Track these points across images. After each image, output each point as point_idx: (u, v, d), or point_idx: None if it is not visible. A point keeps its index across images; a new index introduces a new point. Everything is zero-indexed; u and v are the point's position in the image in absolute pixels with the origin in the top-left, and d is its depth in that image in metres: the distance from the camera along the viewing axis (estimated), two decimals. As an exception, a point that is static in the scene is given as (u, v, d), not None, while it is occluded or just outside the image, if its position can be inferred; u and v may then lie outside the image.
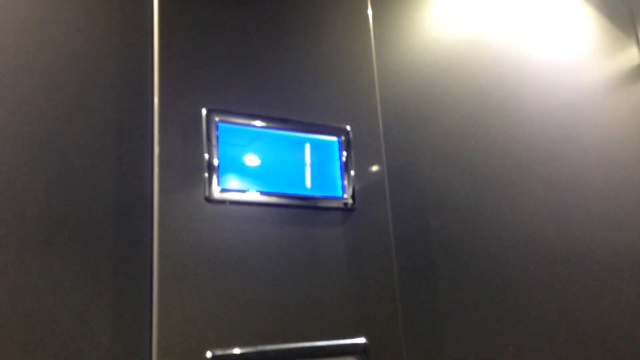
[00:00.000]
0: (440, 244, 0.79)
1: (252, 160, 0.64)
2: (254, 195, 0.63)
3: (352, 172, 0.69)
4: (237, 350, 0.57)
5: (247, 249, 0.61)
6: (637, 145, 1.06)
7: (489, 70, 0.93)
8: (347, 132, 0.70)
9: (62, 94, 0.60)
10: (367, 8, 0.78)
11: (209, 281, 0.58)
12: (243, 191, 0.62)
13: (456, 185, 0.83)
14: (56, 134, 0.58)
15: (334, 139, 0.70)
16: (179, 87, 0.62)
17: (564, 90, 1.01)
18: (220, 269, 0.59)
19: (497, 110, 0.91)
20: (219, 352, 0.56)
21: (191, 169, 0.60)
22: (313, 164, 0.68)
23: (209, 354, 0.56)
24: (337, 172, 0.69)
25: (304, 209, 0.66)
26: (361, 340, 0.64)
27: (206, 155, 0.61)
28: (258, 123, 0.65)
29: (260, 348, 0.58)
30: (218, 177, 0.61)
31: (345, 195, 0.68)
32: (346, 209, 0.68)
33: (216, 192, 0.61)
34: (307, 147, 0.68)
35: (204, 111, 0.62)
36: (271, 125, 0.66)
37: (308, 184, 0.67)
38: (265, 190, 0.64)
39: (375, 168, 0.72)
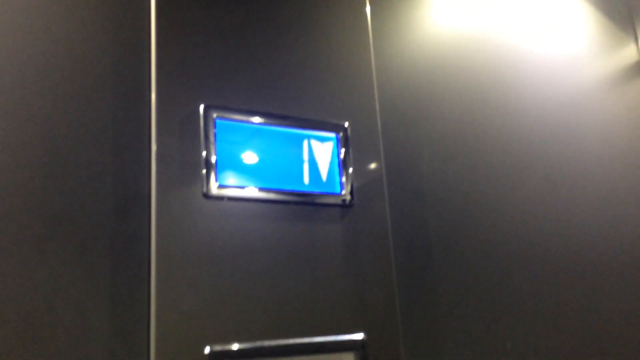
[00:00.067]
0: (439, 240, 0.79)
1: (250, 156, 0.64)
2: (252, 191, 0.63)
3: (350, 169, 0.69)
4: (235, 346, 0.57)
5: (245, 245, 0.61)
6: (636, 142, 1.06)
7: (487, 67, 0.93)
8: (345, 128, 0.71)
9: (59, 91, 0.60)
10: (365, 5, 0.78)
11: (207, 277, 0.58)
12: (241, 187, 0.62)
13: (454, 181, 0.83)
14: (53, 131, 0.58)
15: (332, 135, 0.70)
16: (176, 83, 0.62)
17: (563, 87, 1.01)
18: (218, 265, 0.59)
19: (495, 106, 0.91)
20: (217, 348, 0.56)
21: (189, 165, 0.60)
22: (311, 160, 0.68)
23: (207, 350, 0.56)
24: (335, 169, 0.69)
25: (302, 205, 0.66)
26: (359, 335, 0.64)
27: (204, 152, 0.61)
28: (256, 119, 0.65)
29: (258, 343, 0.58)
30: (216, 173, 0.61)
31: (343, 192, 0.68)
32: (344, 206, 0.68)
33: (214, 189, 0.61)
34: (305, 143, 0.68)
35: (201, 107, 0.62)
36: (269, 121, 0.66)
37: (306, 180, 0.67)
38: (263, 186, 0.64)
39: (373, 164, 0.72)
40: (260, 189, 0.63)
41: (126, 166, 0.61)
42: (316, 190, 0.67)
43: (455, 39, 0.91)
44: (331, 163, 0.69)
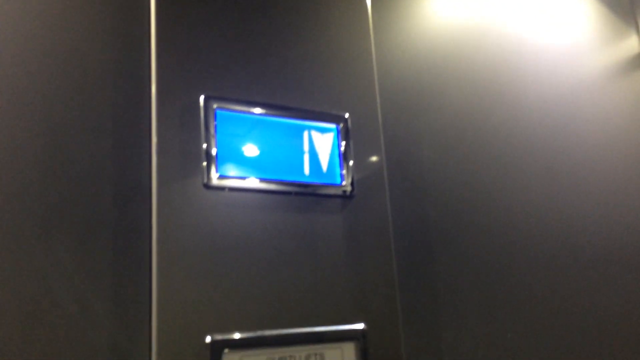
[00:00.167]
0: (439, 231, 0.79)
1: (250, 147, 0.64)
2: (252, 182, 0.63)
3: (351, 160, 0.69)
4: (236, 335, 0.57)
5: (245, 235, 0.61)
6: (637, 134, 1.06)
7: (488, 59, 0.93)
8: (346, 119, 0.71)
9: (59, 82, 0.60)
10: (365, -5, 0.78)
11: (208, 267, 0.58)
12: (242, 178, 0.63)
13: (455, 172, 0.83)
14: (54, 122, 0.58)
15: (333, 126, 0.70)
16: (176, 74, 0.62)
17: (564, 78, 1.01)
18: (219, 255, 0.59)
19: (496, 98, 0.91)
20: (218, 337, 0.56)
21: (189, 156, 0.61)
22: (311, 151, 0.68)
23: (208, 339, 0.56)
24: (336, 160, 0.69)
25: (302, 195, 0.66)
26: (360, 326, 0.64)
27: (204, 142, 0.61)
28: (256, 110, 0.65)
29: (259, 333, 0.59)
30: (216, 164, 0.61)
31: (343, 183, 0.69)
32: (345, 196, 0.68)
33: (214, 179, 0.61)
34: (306, 134, 0.68)
35: (201, 98, 0.62)
36: (269, 112, 0.66)
37: (306, 171, 0.67)
38: (263, 177, 0.64)
39: (374, 155, 0.72)
40: (261, 180, 0.63)
41: (126, 157, 0.61)
42: (317, 181, 0.67)
43: (457, 29, 0.91)
44: (331, 154, 0.69)
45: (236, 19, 0.67)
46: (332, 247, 0.66)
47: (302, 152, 0.68)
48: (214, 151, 0.61)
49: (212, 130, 0.62)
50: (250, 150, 0.64)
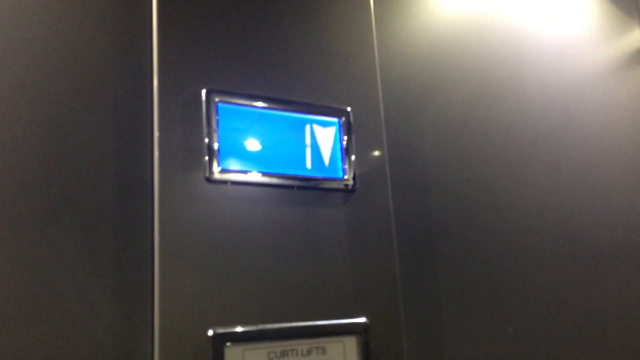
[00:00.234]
0: (441, 225, 0.79)
1: (252, 140, 0.64)
2: (254, 175, 0.63)
3: (353, 154, 0.69)
4: (238, 329, 0.57)
5: (247, 228, 0.61)
6: (640, 128, 1.06)
7: (491, 52, 0.92)
8: (348, 113, 0.70)
9: (61, 76, 0.60)
10: (367, -11, 0.78)
11: (210, 260, 0.58)
12: (244, 172, 0.63)
13: (457, 167, 0.83)
14: (56, 116, 0.58)
15: (335, 120, 0.70)
16: (178, 67, 0.62)
17: (567, 72, 1.00)
18: (221, 248, 0.59)
19: (499, 92, 0.91)
20: (220, 330, 0.57)
21: (191, 149, 0.60)
22: (313, 145, 0.68)
23: (210, 332, 0.56)
24: (338, 154, 0.69)
25: (304, 189, 0.66)
26: (362, 319, 0.64)
27: (206, 136, 0.61)
28: (258, 104, 0.65)
29: (261, 326, 0.59)
30: (218, 158, 0.61)
31: (345, 177, 0.68)
32: (347, 190, 0.68)
33: (216, 173, 0.61)
34: (308, 128, 0.68)
35: (203, 91, 0.62)
36: (272, 106, 0.66)
37: (308, 164, 0.67)
38: (265, 170, 0.64)
39: (376, 149, 0.72)
40: (263, 174, 0.63)
41: (128, 150, 0.61)
42: (319, 174, 0.67)
43: (459, 23, 0.91)
44: (333, 148, 0.69)
45: (238, 12, 0.67)
46: (334, 241, 0.66)
47: (304, 146, 0.67)
48: (215, 145, 0.61)
49: (214, 124, 0.62)
50: (252, 143, 0.64)
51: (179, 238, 0.57)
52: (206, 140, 0.61)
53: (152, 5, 0.63)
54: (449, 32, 0.89)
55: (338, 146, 0.69)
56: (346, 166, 0.69)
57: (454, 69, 0.88)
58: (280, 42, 0.69)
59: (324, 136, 0.69)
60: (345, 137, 0.69)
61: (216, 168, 0.61)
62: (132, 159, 0.61)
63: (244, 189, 0.62)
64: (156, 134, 0.59)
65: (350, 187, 0.68)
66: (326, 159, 0.68)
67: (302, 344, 0.60)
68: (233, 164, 0.62)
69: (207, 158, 0.61)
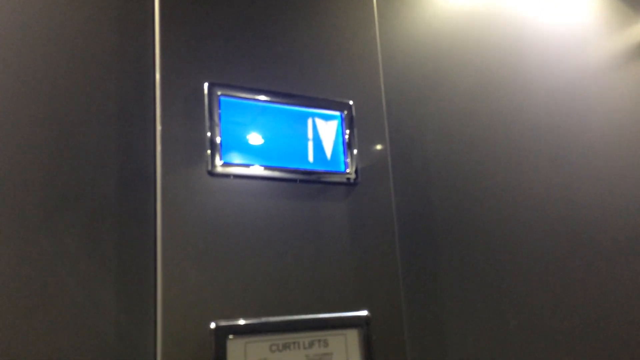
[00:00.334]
0: (443, 219, 0.79)
1: (254, 134, 0.64)
2: (257, 169, 0.63)
3: (355, 147, 0.69)
4: (241, 322, 0.58)
5: (250, 222, 0.61)
6: (642, 122, 1.05)
7: (493, 46, 0.92)
8: (350, 106, 0.70)
9: (64, 70, 0.60)
10: (370, -18, 0.77)
11: (212, 253, 0.58)
12: (246, 165, 0.63)
13: (459, 160, 0.83)
14: (59, 110, 0.58)
15: (337, 113, 0.70)
16: (180, 61, 0.62)
17: (570, 65, 1.00)
18: (223, 241, 0.59)
19: (501, 85, 0.91)
20: (222, 323, 0.57)
21: (193, 143, 0.61)
22: (315, 139, 0.68)
23: (212, 325, 0.56)
24: (340, 147, 0.69)
25: (306, 183, 0.66)
26: (363, 312, 0.64)
27: (208, 130, 0.61)
28: (261, 97, 0.65)
29: (263, 319, 0.59)
30: (221, 151, 0.61)
31: (348, 170, 0.68)
32: (349, 184, 0.68)
33: (219, 166, 0.61)
34: (310, 121, 0.68)
35: (206, 85, 0.62)
36: (274, 99, 0.66)
37: (311, 158, 0.67)
38: (268, 164, 0.64)
39: (378, 142, 0.72)
40: (265, 167, 0.63)
41: (131, 144, 0.61)
42: (321, 168, 0.67)
43: (462, 16, 0.90)
44: (336, 141, 0.69)
45: (240, 6, 0.67)
46: (336, 234, 0.66)
47: (306, 140, 0.67)
48: (218, 138, 0.61)
49: (216, 118, 0.62)
50: (255, 137, 0.64)
51: (182, 231, 0.58)
52: (208, 133, 0.61)
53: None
54: (452, 25, 0.89)
55: (340, 139, 0.69)
56: (348, 159, 0.69)
57: (456, 62, 0.87)
58: (283, 35, 0.69)
59: (326, 130, 0.69)
60: (348, 131, 0.69)
61: (218, 161, 0.61)
62: (135, 153, 0.61)
63: (246, 183, 0.62)
64: (158, 127, 0.59)
65: (352, 180, 0.68)
66: (328, 153, 0.68)
67: (304, 337, 0.60)
68: (235, 158, 0.62)
69: (209, 151, 0.61)
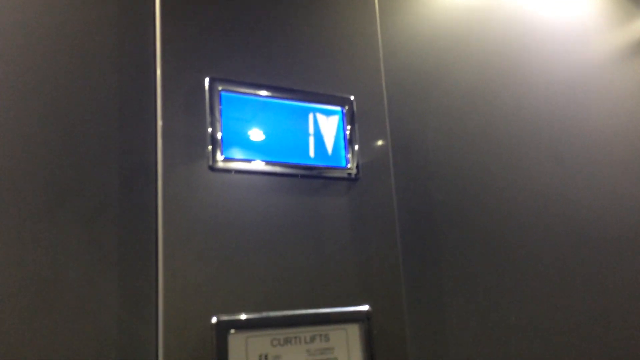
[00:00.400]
0: (444, 214, 0.79)
1: (255, 129, 0.64)
2: (258, 164, 0.63)
3: (356, 142, 0.69)
4: (242, 316, 0.58)
5: (251, 216, 0.61)
6: (644, 118, 1.05)
7: (495, 41, 0.92)
8: (351, 102, 0.70)
9: (64, 66, 0.60)
10: (371, -24, 0.77)
11: (213, 248, 0.59)
12: (247, 160, 0.63)
13: (460, 155, 0.83)
14: (60, 105, 0.59)
15: (338, 108, 0.70)
16: (181, 56, 0.62)
17: (571, 60, 1.00)
18: (224, 236, 0.59)
19: (503, 80, 0.91)
20: (224, 318, 0.57)
21: (194, 138, 0.61)
22: (316, 134, 0.68)
23: (214, 319, 0.57)
24: (341, 142, 0.69)
25: (307, 178, 0.66)
26: (364, 307, 0.65)
27: (209, 125, 0.61)
28: (262, 92, 0.65)
29: (265, 314, 0.59)
30: (221, 146, 0.61)
31: (349, 165, 0.68)
32: (350, 179, 0.68)
33: (220, 162, 0.61)
34: (311, 116, 0.68)
35: (207, 80, 0.62)
36: (275, 94, 0.66)
37: (312, 153, 0.67)
38: (269, 159, 0.64)
39: (379, 137, 0.72)
40: (266, 162, 0.63)
41: (132, 139, 0.61)
42: (322, 163, 0.67)
43: (463, 11, 0.90)
44: (337, 137, 0.69)
45: (241, 1, 0.67)
46: (337, 229, 0.66)
47: (307, 135, 0.67)
48: (219, 133, 0.61)
49: (217, 113, 0.62)
50: (256, 132, 0.64)
51: (183, 226, 0.58)
52: (209, 129, 0.61)
53: (155, -7, 0.63)
54: (453, 20, 0.89)
55: (341, 135, 0.69)
56: (349, 155, 0.69)
57: (457, 57, 0.87)
58: (284, 30, 0.69)
59: (327, 125, 0.69)
60: (349, 126, 0.69)
61: (220, 157, 0.61)
62: (136, 148, 0.61)
63: (248, 178, 0.62)
64: (159, 122, 0.59)
65: (353, 175, 0.68)
66: (329, 148, 0.68)
67: (305, 332, 0.61)
68: (236, 153, 0.62)
69: (210, 147, 0.61)
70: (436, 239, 0.78)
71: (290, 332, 0.60)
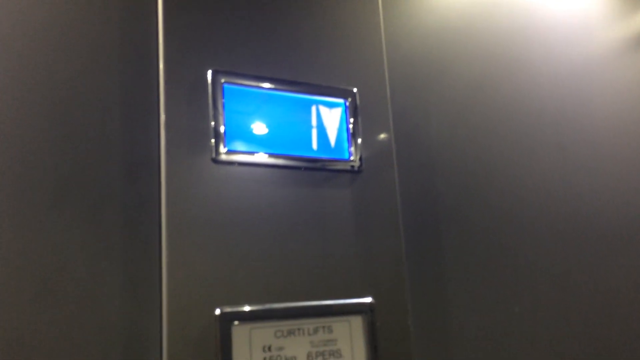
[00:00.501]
0: (447, 206, 0.79)
1: (258, 121, 0.64)
2: (261, 157, 0.63)
3: (359, 135, 0.69)
4: (245, 308, 0.58)
5: (254, 208, 0.61)
6: (649, 109, 1.05)
7: (499, 32, 0.91)
8: (354, 94, 0.70)
9: (66, 57, 0.60)
10: (374, -32, 0.77)
11: (217, 240, 0.59)
12: (250, 153, 0.63)
13: (464, 147, 0.83)
14: (63, 98, 0.59)
15: (341, 101, 0.70)
16: (184, 48, 0.62)
17: (575, 52, 0.99)
18: (228, 228, 0.60)
19: (506, 72, 0.90)
20: (227, 309, 0.57)
21: (198, 131, 0.61)
22: (319, 126, 0.68)
23: (217, 311, 0.57)
24: (344, 135, 0.69)
25: (310, 170, 0.66)
26: (367, 299, 0.65)
27: (212, 117, 0.61)
28: (265, 84, 0.65)
29: (268, 306, 0.59)
30: (224, 139, 0.61)
31: (352, 158, 0.68)
32: (353, 171, 0.68)
33: (223, 154, 0.61)
34: (314, 109, 0.68)
35: (209, 72, 0.62)
36: (278, 86, 0.66)
37: (314, 146, 0.67)
38: (271, 151, 0.64)
39: (382, 130, 0.72)
40: (270, 155, 0.63)
41: (135, 132, 0.61)
42: (325, 155, 0.67)
43: (466, 3, 0.90)
44: (339, 129, 0.69)
45: (243, -8, 0.66)
46: (340, 221, 0.66)
47: (310, 127, 0.67)
48: (222, 126, 0.61)
49: (220, 105, 0.62)
50: (259, 124, 0.64)
51: (186, 219, 0.58)
52: (212, 121, 0.61)
53: (157, -15, 0.62)
54: (456, 12, 0.88)
55: (344, 127, 0.69)
56: (352, 147, 0.69)
57: (461, 49, 0.87)
58: (286, 22, 0.68)
59: (330, 117, 0.69)
60: (352, 118, 0.69)
61: (223, 149, 0.61)
62: (139, 141, 0.61)
63: (251, 170, 0.62)
64: (162, 115, 0.59)
65: (356, 168, 0.68)
66: (332, 140, 0.68)
67: (308, 323, 0.61)
68: (239, 145, 0.62)
69: (213, 139, 0.61)
70: (439, 231, 0.78)
71: (293, 323, 0.60)
